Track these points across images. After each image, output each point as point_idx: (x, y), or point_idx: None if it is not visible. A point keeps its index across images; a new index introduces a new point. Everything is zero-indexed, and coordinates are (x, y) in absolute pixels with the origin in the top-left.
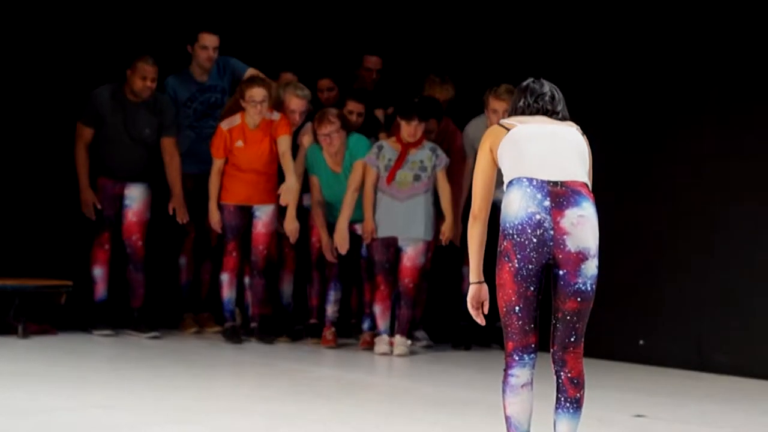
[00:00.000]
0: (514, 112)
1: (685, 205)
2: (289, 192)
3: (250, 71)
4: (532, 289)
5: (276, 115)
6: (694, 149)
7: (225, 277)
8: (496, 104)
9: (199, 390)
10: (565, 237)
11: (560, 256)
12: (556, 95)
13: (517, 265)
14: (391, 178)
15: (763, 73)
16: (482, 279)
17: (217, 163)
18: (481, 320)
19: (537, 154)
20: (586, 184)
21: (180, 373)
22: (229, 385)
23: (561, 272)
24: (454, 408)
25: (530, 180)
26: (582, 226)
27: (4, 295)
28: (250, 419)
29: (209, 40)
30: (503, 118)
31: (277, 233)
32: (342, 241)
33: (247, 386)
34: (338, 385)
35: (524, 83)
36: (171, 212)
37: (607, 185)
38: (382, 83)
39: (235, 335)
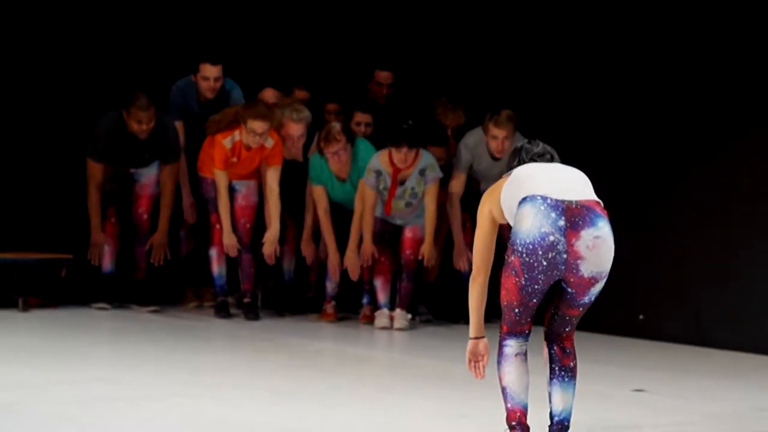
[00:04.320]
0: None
1: (684, 185)
2: (271, 244)
3: None
4: (534, 300)
5: (270, 142)
6: (696, 138)
7: (213, 252)
8: (496, 131)
9: (199, 364)
10: (579, 261)
11: (572, 280)
12: (555, 157)
13: (523, 282)
14: (388, 210)
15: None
16: (481, 334)
17: (224, 179)
18: (478, 375)
19: (546, 178)
20: (599, 202)
21: (180, 347)
22: (229, 359)
23: (570, 290)
24: (454, 382)
25: (544, 198)
26: (598, 249)
27: (4, 269)
28: (250, 393)
29: (210, 71)
30: (503, 145)
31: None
32: (353, 268)
33: (246, 360)
34: (338, 358)
35: (519, 144)
36: (147, 247)
37: (610, 166)
38: (394, 98)
39: (224, 310)
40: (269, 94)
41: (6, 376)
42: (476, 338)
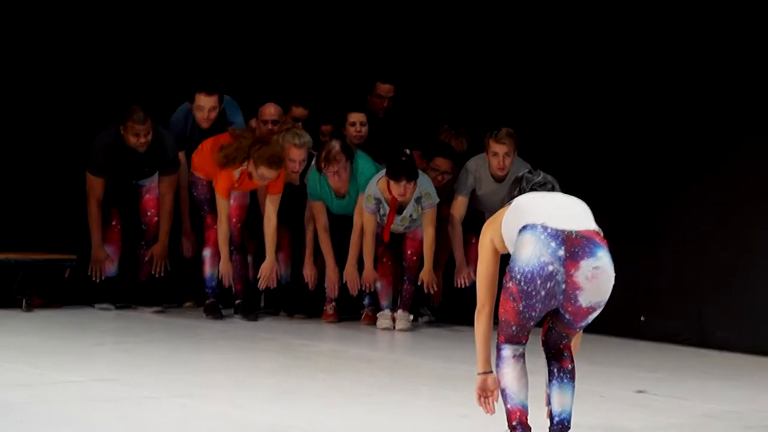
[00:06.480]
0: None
1: (686, 186)
2: (266, 279)
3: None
4: (532, 323)
5: None
6: (698, 140)
7: (207, 253)
8: (497, 147)
9: (201, 364)
10: (577, 292)
11: (570, 309)
12: (556, 186)
13: (521, 308)
14: (387, 236)
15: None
16: (489, 369)
17: (226, 208)
18: (489, 411)
19: (547, 207)
20: (598, 232)
21: (182, 347)
22: (231, 359)
23: (567, 317)
24: (455, 382)
25: (544, 227)
26: (597, 280)
27: (8, 269)
28: (251, 393)
29: (205, 101)
30: (504, 162)
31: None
32: (353, 284)
33: (248, 360)
34: (339, 359)
35: (520, 174)
36: (147, 257)
37: (612, 167)
38: (393, 111)
39: (214, 311)
40: (271, 110)
41: (9, 375)
42: (484, 373)
